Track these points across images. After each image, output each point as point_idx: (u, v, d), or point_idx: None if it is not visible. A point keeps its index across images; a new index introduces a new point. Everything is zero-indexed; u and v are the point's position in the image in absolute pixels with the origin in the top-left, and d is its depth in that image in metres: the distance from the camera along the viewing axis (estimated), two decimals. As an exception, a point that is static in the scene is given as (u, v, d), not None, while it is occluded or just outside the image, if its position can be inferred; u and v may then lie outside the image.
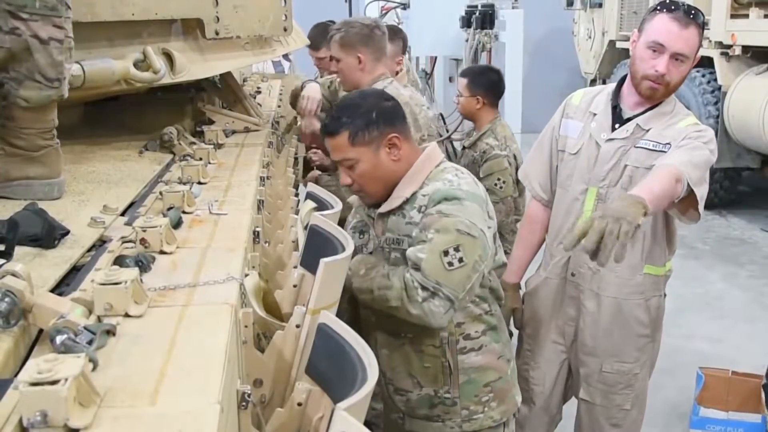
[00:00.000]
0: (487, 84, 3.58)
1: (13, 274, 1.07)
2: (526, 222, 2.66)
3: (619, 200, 1.90)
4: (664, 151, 2.21)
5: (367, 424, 0.97)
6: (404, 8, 7.31)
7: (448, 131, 5.97)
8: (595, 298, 2.42)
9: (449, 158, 3.43)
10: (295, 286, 1.70)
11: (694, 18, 2.15)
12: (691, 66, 2.22)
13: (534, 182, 2.54)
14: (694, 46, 2.17)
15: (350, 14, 8.72)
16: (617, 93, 2.36)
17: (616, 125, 2.33)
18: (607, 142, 2.32)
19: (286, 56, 6.78)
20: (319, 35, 4.31)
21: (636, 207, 1.84)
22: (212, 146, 2.52)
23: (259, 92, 4.45)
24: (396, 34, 4.09)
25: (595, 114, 2.38)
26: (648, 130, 2.28)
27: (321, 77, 4.77)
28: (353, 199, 2.17)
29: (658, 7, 2.21)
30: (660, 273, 2.43)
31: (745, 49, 6.75)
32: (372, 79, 2.85)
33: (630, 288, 2.40)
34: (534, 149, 2.59)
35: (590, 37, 9.61)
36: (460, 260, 1.85)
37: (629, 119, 2.31)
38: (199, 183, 2.04)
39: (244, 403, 1.12)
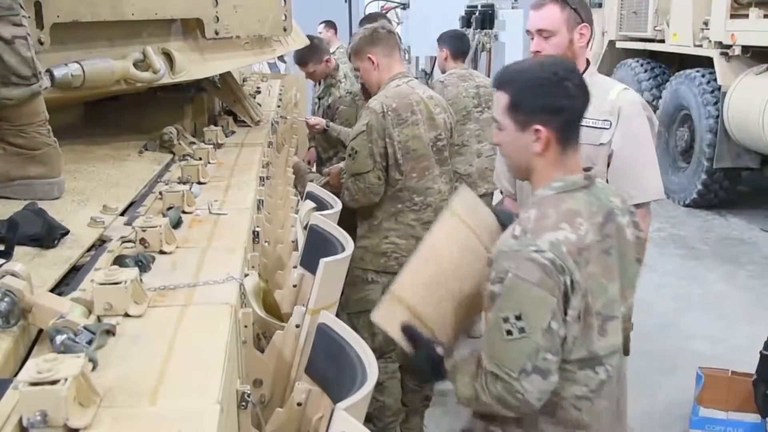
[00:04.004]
0: (448, 39, 4.39)
1: (13, 274, 1.07)
2: None
3: None
4: (605, 128, 2.43)
5: (368, 416, 0.97)
6: (404, 8, 7.29)
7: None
8: None
9: None
10: (294, 286, 1.70)
11: None
12: (567, 38, 2.42)
13: (503, 181, 2.73)
14: (553, 19, 2.41)
15: (350, 14, 8.71)
16: None
17: None
18: None
19: (281, 57, 6.78)
20: (305, 51, 4.38)
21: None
22: (212, 146, 2.52)
23: (259, 92, 4.45)
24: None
25: None
26: None
27: (316, 87, 4.87)
28: None
29: None
30: None
31: (745, 49, 6.75)
32: (389, 77, 2.93)
33: None
34: (498, 152, 2.83)
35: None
36: None
37: None
38: (199, 183, 2.04)
39: (243, 403, 1.12)
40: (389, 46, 2.96)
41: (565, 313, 1.58)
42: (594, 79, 2.49)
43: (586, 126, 2.46)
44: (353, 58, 3.03)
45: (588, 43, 2.52)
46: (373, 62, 2.93)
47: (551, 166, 1.70)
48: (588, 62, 2.57)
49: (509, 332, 1.53)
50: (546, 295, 1.55)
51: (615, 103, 2.44)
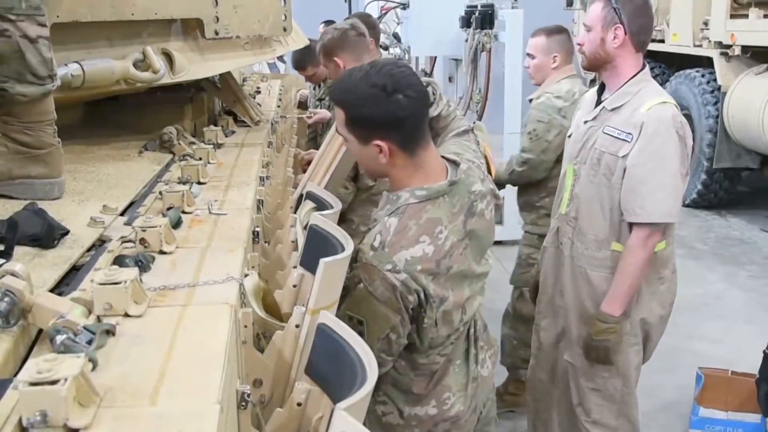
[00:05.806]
0: None
1: (13, 274, 1.07)
2: None
3: (591, 331, 2.51)
4: (627, 141, 2.40)
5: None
6: (404, 8, 7.27)
7: None
8: (571, 267, 2.63)
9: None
10: (294, 286, 1.70)
11: None
12: (599, 35, 2.45)
13: None
14: (593, 15, 2.47)
15: (350, 14, 8.70)
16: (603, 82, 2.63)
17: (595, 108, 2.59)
18: (584, 124, 2.58)
19: (280, 57, 6.79)
20: (302, 55, 4.38)
21: (604, 333, 2.47)
22: (212, 146, 2.52)
23: (259, 92, 4.45)
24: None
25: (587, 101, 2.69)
26: (613, 110, 2.48)
27: (315, 89, 4.87)
28: None
29: None
30: None
31: (745, 49, 6.75)
32: None
33: (598, 261, 2.56)
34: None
35: (590, 37, 9.60)
36: None
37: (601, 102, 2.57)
38: (199, 183, 2.04)
39: (243, 403, 1.12)
40: (358, 50, 2.85)
41: (423, 322, 1.71)
42: (634, 89, 2.45)
43: (611, 135, 2.46)
44: (321, 57, 2.95)
45: (632, 44, 2.43)
46: (339, 66, 2.84)
47: (406, 168, 1.73)
48: (644, 65, 2.49)
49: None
50: (389, 314, 1.65)
51: (643, 117, 2.38)
